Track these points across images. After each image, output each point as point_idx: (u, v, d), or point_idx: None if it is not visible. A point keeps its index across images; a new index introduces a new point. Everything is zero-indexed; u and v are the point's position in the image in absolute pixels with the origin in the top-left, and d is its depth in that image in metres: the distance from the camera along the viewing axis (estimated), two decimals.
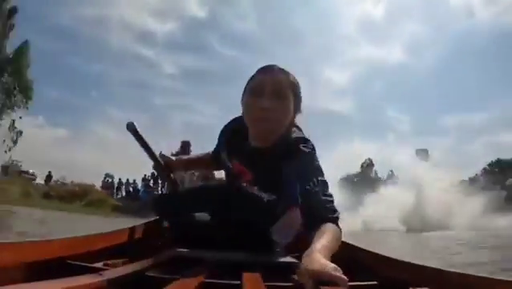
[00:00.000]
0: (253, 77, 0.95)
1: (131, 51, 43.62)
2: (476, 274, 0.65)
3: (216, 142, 1.19)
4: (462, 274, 0.67)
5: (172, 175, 1.31)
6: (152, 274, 0.76)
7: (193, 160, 1.38)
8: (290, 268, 0.92)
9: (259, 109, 0.87)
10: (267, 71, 0.93)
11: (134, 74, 42.79)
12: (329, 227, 0.72)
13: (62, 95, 37.97)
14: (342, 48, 53.25)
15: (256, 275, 0.79)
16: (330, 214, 0.77)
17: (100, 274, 0.64)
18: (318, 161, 0.88)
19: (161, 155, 1.26)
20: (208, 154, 1.29)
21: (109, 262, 0.87)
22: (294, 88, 0.93)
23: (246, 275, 0.78)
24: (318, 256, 0.57)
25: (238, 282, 0.74)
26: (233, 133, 1.06)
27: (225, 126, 1.13)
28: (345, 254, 0.99)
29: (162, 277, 0.75)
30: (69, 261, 0.80)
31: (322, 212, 0.77)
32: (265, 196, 1.02)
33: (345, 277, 0.49)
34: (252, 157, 0.97)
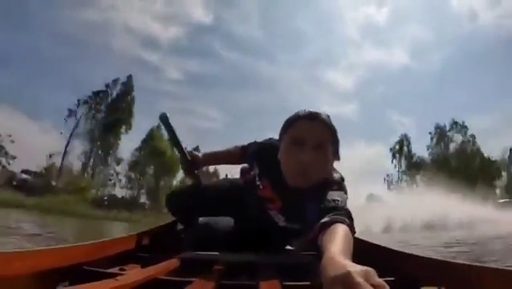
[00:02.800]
0: (294, 121, 0.89)
1: (135, 56, 44.00)
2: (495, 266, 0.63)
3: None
4: (481, 267, 0.65)
5: (196, 171, 1.31)
6: (167, 278, 0.76)
7: (219, 156, 1.34)
8: (307, 267, 0.91)
9: (299, 162, 0.84)
10: (311, 121, 0.87)
11: (137, 78, 43.04)
12: (340, 228, 0.65)
13: (65, 99, 38.57)
14: (345, 51, 52.47)
15: (272, 275, 0.78)
16: (341, 216, 0.72)
17: (116, 280, 0.64)
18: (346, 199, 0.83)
19: (188, 151, 1.26)
20: (234, 149, 1.26)
21: (125, 266, 0.87)
22: (335, 138, 0.89)
23: (263, 276, 0.77)
24: (340, 258, 0.48)
25: (255, 282, 0.73)
26: (268, 154, 1.01)
27: (263, 143, 1.11)
28: (360, 250, 0.97)
29: (178, 280, 0.75)
30: (85, 267, 0.81)
31: (332, 213, 0.72)
32: (290, 226, 1.01)
33: (383, 282, 0.39)
34: (284, 189, 0.93)
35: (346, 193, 0.86)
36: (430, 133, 31.80)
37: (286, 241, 1.11)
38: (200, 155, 1.30)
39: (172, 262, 0.91)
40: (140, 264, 0.91)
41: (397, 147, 32.19)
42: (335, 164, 0.92)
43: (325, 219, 0.69)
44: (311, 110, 0.88)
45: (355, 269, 0.40)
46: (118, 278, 0.66)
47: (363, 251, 0.99)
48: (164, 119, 1.16)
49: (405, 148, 32.30)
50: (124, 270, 0.83)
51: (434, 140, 31.69)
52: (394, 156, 32.08)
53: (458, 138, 30.91)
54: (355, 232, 0.70)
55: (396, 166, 32.15)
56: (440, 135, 31.56)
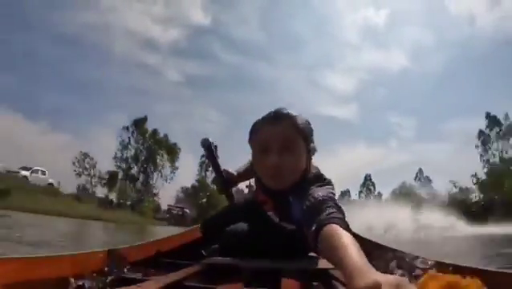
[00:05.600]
0: (258, 128, 0.89)
1: (134, 58, 45.24)
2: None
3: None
4: (493, 271, 0.63)
5: (231, 189, 1.35)
6: (190, 284, 0.75)
7: (246, 171, 1.35)
8: (328, 274, 0.87)
9: (269, 167, 0.85)
10: (274, 124, 0.86)
11: (137, 81, 44.05)
12: (341, 232, 0.60)
13: (65, 100, 40.21)
14: (345, 54, 51.79)
15: (294, 282, 0.75)
16: (333, 213, 0.67)
17: (139, 286, 0.64)
18: (332, 193, 0.81)
19: (225, 171, 1.29)
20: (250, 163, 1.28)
21: (148, 272, 0.87)
22: (304, 133, 0.87)
23: (285, 282, 0.74)
24: (367, 269, 0.45)
25: None
26: None
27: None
28: (373, 252, 0.92)
29: (200, 286, 0.74)
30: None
31: (326, 211, 0.68)
32: (285, 225, 1.02)
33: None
34: (270, 191, 0.95)
35: (331, 187, 0.84)
36: None
37: (289, 241, 1.08)
38: (235, 173, 1.32)
39: (195, 268, 0.90)
40: (163, 270, 0.91)
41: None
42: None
43: (318, 221, 0.65)
44: (276, 110, 0.88)
45: (387, 281, 0.38)
46: (141, 284, 0.65)
47: (381, 256, 0.94)
48: (206, 144, 1.22)
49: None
50: (147, 275, 0.83)
51: None
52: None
53: None
54: (348, 226, 0.64)
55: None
56: None
